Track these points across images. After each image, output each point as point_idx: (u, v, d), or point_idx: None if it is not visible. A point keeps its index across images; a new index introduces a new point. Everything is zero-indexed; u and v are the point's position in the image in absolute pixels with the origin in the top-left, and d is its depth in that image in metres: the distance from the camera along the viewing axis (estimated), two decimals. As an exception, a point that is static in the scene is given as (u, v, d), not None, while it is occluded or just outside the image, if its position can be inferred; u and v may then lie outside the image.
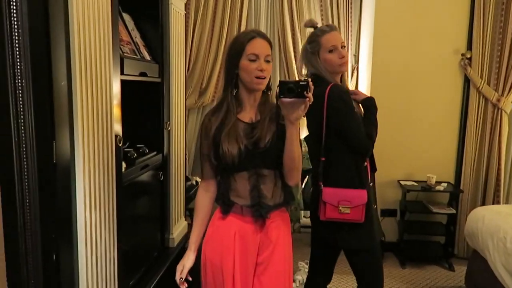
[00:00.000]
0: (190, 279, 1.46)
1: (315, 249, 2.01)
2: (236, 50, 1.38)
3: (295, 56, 3.39)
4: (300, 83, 1.24)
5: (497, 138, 3.18)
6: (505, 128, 3.18)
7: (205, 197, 1.50)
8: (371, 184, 1.81)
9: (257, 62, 1.35)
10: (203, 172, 1.48)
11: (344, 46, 1.76)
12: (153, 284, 1.99)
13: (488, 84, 3.16)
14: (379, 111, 1.81)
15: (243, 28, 3.37)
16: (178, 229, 2.50)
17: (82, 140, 1.35)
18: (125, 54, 1.79)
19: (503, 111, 3.15)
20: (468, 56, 3.19)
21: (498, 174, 3.21)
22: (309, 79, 1.24)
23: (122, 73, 1.69)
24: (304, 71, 1.90)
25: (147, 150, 2.09)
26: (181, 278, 1.44)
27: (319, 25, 1.81)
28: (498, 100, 3.14)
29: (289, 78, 3.40)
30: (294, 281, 1.64)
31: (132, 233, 1.92)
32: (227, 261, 1.40)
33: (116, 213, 1.60)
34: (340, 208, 1.69)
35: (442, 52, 3.25)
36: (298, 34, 3.38)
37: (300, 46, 3.39)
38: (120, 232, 1.65)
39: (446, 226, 3.27)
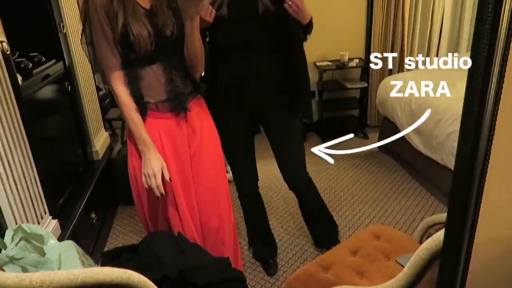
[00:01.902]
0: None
1: None
2: None
3: None
4: None
5: (401, 10, 3.32)
6: (408, 1, 3.30)
7: (127, 91, 1.28)
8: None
9: None
10: (112, 62, 1.25)
11: None
12: (85, 198, 1.92)
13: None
14: None
15: None
16: (99, 141, 2.36)
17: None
18: None
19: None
20: None
21: (402, 44, 3.43)
22: None
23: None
24: None
25: (44, 59, 1.83)
26: (169, 178, 1.30)
27: None
28: (401, -28, 3.19)
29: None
30: (227, 171, 1.66)
31: (50, 151, 1.77)
32: None
33: (25, 130, 1.44)
34: None
35: None
36: None
37: None
38: (36, 150, 1.51)
39: (359, 100, 3.52)
